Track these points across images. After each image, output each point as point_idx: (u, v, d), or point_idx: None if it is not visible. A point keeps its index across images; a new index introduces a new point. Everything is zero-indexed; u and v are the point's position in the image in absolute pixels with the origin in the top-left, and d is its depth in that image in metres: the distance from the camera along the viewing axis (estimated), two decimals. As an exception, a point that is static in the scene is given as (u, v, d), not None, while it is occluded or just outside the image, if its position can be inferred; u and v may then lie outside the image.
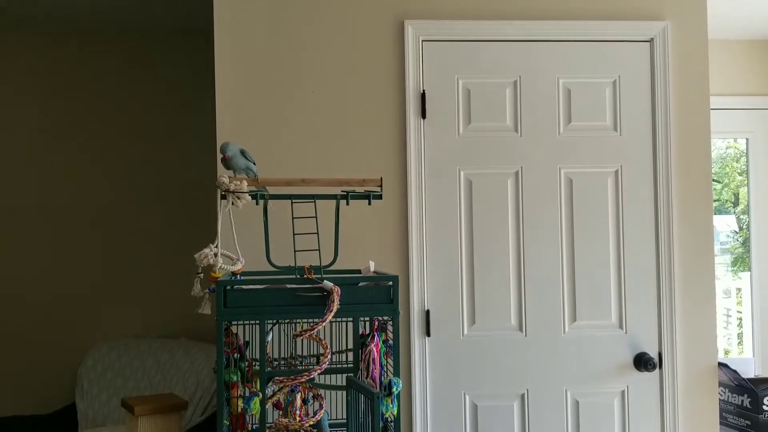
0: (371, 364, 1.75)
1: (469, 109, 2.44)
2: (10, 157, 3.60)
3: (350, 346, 2.07)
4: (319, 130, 2.40)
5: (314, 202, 1.82)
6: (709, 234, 2.48)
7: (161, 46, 3.67)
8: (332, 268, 1.89)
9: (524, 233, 2.44)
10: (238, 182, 1.76)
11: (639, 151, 2.47)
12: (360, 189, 1.88)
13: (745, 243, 4.11)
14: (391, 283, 1.76)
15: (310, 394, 1.87)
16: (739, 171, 4.53)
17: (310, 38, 2.40)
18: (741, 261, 4.41)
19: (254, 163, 1.92)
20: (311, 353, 2.06)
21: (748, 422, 2.64)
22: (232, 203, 1.77)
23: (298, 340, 2.01)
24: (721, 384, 2.75)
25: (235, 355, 1.71)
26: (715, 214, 4.10)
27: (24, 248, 3.58)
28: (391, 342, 1.82)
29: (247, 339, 1.92)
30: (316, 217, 1.85)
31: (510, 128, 2.45)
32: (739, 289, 4.49)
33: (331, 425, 2.03)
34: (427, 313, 2.40)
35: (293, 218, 1.87)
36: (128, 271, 3.62)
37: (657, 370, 2.43)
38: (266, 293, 1.70)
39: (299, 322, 1.96)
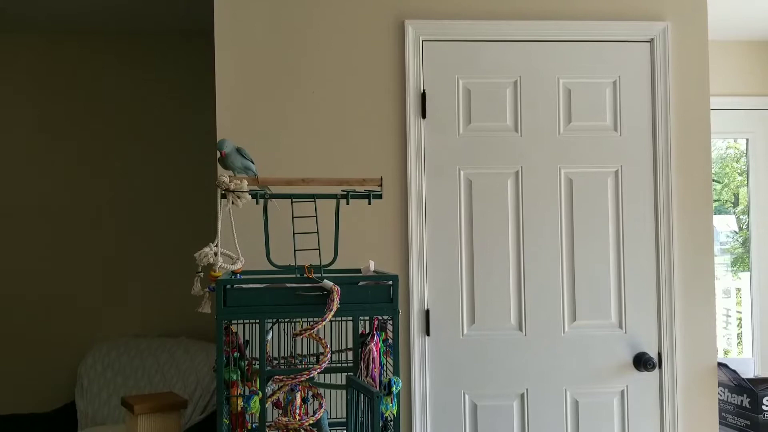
0: (371, 363, 1.76)
1: (469, 109, 2.44)
2: (10, 157, 3.60)
3: (350, 345, 2.07)
4: (320, 129, 2.40)
5: (314, 201, 1.82)
6: (708, 234, 2.48)
7: (161, 47, 3.67)
8: (332, 267, 1.89)
9: (524, 233, 2.44)
10: (239, 181, 1.76)
11: (639, 152, 2.48)
12: (360, 188, 1.88)
13: (745, 243, 4.12)
14: (390, 282, 1.75)
15: (310, 393, 1.86)
16: (739, 171, 4.53)
17: (310, 38, 2.41)
18: (741, 261, 4.41)
19: (252, 162, 1.92)
20: (311, 352, 2.06)
21: (748, 422, 2.64)
22: (232, 202, 1.77)
23: (298, 339, 2.01)
24: (720, 384, 2.75)
25: (235, 354, 1.71)
26: (715, 214, 4.10)
27: (24, 248, 3.58)
28: (390, 341, 1.82)
29: (246, 338, 1.92)
30: (316, 217, 1.85)
31: (510, 128, 2.46)
32: (738, 289, 4.50)
33: (330, 424, 2.03)
34: (427, 312, 2.40)
35: (293, 217, 1.87)
36: (128, 270, 3.62)
37: (656, 369, 2.44)
38: (266, 292, 1.70)
39: (299, 321, 1.95)
